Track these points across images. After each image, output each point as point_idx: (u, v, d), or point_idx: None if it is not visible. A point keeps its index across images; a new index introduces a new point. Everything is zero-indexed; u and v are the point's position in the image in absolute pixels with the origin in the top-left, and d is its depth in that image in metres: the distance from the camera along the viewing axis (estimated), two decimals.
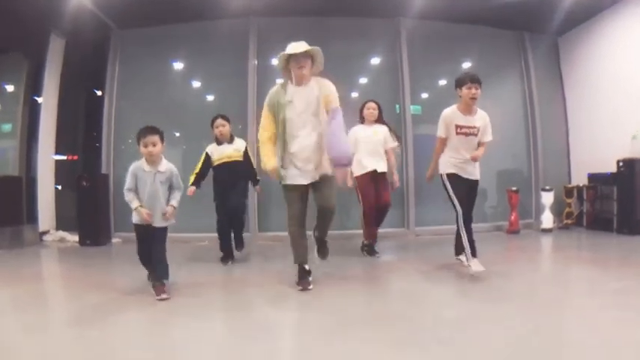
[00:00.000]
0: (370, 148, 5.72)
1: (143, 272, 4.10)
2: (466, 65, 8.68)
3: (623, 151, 7.33)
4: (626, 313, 3.15)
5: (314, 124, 4.11)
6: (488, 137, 4.76)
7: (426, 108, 8.23)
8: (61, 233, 7.81)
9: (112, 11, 7.49)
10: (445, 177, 4.65)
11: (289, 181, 4.10)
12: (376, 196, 5.68)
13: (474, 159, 4.58)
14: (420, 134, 8.06)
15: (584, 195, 8.13)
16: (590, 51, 8.33)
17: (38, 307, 3.71)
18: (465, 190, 4.63)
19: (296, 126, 4.08)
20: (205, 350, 2.68)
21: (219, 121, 5.45)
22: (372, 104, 5.90)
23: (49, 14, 7.31)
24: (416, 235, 7.68)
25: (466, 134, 4.59)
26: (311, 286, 4.04)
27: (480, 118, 4.68)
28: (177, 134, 8.27)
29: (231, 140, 5.49)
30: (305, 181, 4.08)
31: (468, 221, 4.55)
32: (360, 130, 5.82)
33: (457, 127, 4.58)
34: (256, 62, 7.94)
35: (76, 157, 9.94)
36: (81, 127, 9.37)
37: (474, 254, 4.43)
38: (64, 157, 8.91)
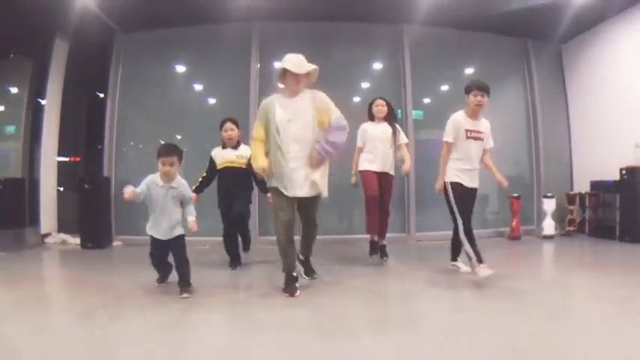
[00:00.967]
0: (380, 148, 5.71)
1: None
2: (469, 72, 8.69)
3: (627, 159, 7.31)
4: (628, 321, 3.14)
5: (306, 139, 4.12)
6: (490, 144, 4.86)
7: (427, 113, 8.25)
8: (63, 236, 7.83)
9: (116, 14, 7.53)
10: (449, 186, 4.63)
11: (279, 186, 4.14)
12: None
13: (501, 182, 4.85)
14: (421, 139, 8.06)
15: (587, 202, 8.11)
16: (593, 59, 8.33)
17: (41, 309, 3.71)
18: (467, 199, 4.67)
19: (287, 141, 4.10)
20: (208, 353, 2.67)
21: (229, 125, 5.38)
22: (380, 101, 5.90)
23: (54, 17, 7.36)
24: (416, 241, 7.66)
25: (475, 138, 4.66)
26: (298, 293, 4.04)
27: (484, 124, 4.77)
28: (179, 137, 8.28)
29: (236, 146, 5.39)
30: (294, 195, 4.13)
31: (470, 230, 4.55)
32: (369, 127, 5.82)
33: (467, 131, 4.62)
34: (259, 66, 7.95)
35: (78, 159, 9.96)
36: (83, 129, 9.38)
37: (480, 260, 4.42)
38: (67, 159, 8.91)
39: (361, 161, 5.75)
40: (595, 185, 8.04)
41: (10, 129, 8.81)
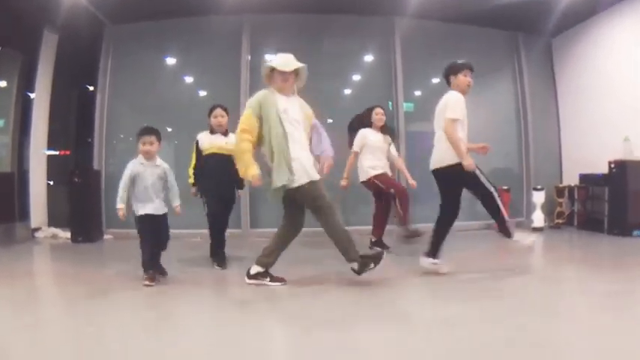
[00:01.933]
0: (382, 157, 5.88)
1: (137, 269, 4.14)
2: None
3: (615, 152, 7.37)
4: (616, 314, 3.17)
5: (304, 138, 4.12)
6: None
7: (418, 106, 8.28)
8: (53, 230, 7.77)
9: (105, 6, 7.46)
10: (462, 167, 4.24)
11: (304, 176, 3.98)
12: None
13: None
14: (412, 131, 8.10)
15: (576, 195, 8.18)
16: (583, 53, 8.39)
17: (31, 304, 3.69)
18: None
19: (292, 137, 3.99)
20: (199, 347, 2.68)
21: (219, 111, 5.21)
22: (380, 110, 5.97)
23: (42, 9, 7.28)
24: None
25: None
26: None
27: None
28: (170, 129, 8.24)
29: (225, 133, 5.19)
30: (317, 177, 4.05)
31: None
32: (369, 134, 5.87)
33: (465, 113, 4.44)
34: (249, 58, 7.95)
35: (68, 153, 9.90)
36: (73, 122, 9.33)
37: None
38: (57, 153, 8.86)
39: (365, 168, 5.80)
40: (584, 178, 8.11)
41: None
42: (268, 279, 4.06)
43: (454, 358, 2.47)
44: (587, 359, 2.45)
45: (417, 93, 8.60)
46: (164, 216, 4.27)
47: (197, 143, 5.17)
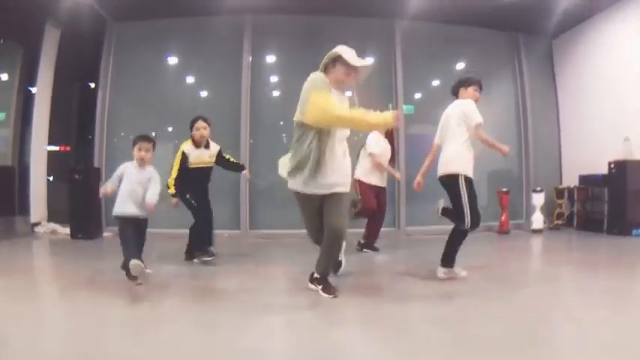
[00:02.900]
0: (384, 162, 5.92)
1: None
2: (460, 66, 8.73)
3: (615, 152, 7.39)
4: (615, 313, 3.19)
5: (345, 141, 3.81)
6: None
7: (418, 108, 8.28)
8: (53, 225, 7.79)
9: (109, 4, 7.49)
10: (464, 180, 4.21)
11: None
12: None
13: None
14: (412, 134, 8.11)
15: (575, 196, 8.20)
16: (583, 53, 8.39)
17: (29, 299, 3.68)
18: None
19: (339, 139, 3.68)
20: (195, 346, 2.69)
21: (202, 123, 5.12)
22: None
23: (45, 4, 7.29)
24: (406, 235, 7.71)
25: None
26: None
27: None
28: (170, 129, 8.26)
29: (208, 145, 5.21)
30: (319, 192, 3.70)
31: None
32: (380, 140, 5.91)
33: None
34: (250, 59, 7.95)
35: (68, 148, 9.91)
36: (74, 118, 9.34)
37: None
38: (57, 148, 8.87)
39: (368, 175, 5.86)
40: (584, 179, 8.13)
41: (1, 116, 8.75)
42: (321, 287, 3.81)
43: (449, 356, 2.49)
44: (584, 357, 2.47)
45: (418, 95, 8.60)
46: (144, 220, 4.20)
47: (183, 155, 5.05)
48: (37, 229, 7.75)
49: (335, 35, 7.98)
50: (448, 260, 4.34)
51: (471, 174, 4.24)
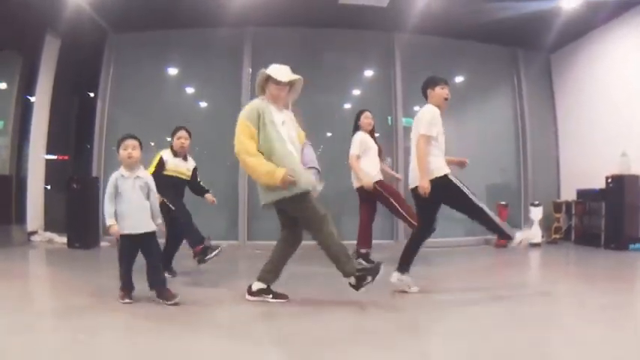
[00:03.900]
0: (374, 159, 5.89)
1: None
2: (459, 80, 8.78)
3: (613, 167, 7.40)
4: (613, 328, 3.18)
5: (297, 151, 3.94)
6: None
7: None
8: (50, 234, 7.76)
9: (109, 14, 7.51)
10: (451, 177, 4.14)
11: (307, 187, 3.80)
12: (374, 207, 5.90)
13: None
14: (411, 146, 8.10)
15: (573, 210, 8.21)
16: (581, 68, 8.44)
17: (24, 309, 3.66)
18: None
19: (288, 148, 3.81)
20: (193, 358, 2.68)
21: (183, 133, 5.12)
22: (369, 114, 5.99)
23: (46, 14, 7.31)
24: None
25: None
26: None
27: None
28: (169, 140, 8.22)
29: (186, 157, 5.18)
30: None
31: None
32: (366, 139, 5.88)
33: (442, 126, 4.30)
34: (250, 71, 7.97)
35: (66, 158, 9.90)
36: (72, 128, 9.34)
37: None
38: (55, 157, 8.86)
39: (370, 173, 5.80)
40: (581, 193, 8.14)
41: None
42: (270, 296, 3.91)
43: None
44: None
45: (416, 108, 8.58)
46: (150, 236, 3.81)
47: (161, 160, 4.98)
48: (34, 238, 7.71)
49: (334, 48, 8.07)
50: (403, 267, 4.28)
51: (447, 170, 4.18)
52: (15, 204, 7.97)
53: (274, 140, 3.75)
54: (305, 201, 3.78)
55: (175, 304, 3.64)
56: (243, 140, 3.74)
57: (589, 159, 8.14)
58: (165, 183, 4.83)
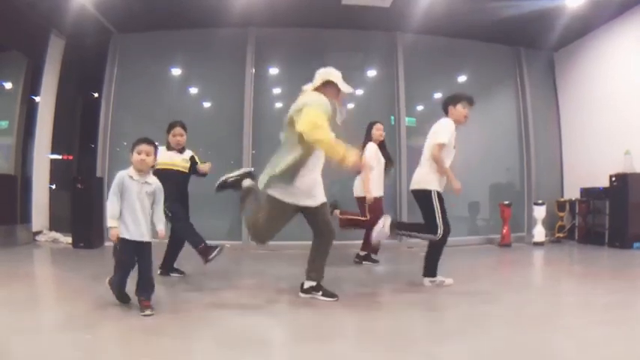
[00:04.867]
0: (381, 174, 5.91)
1: (133, 278, 3.98)
2: (462, 79, 8.78)
3: (616, 166, 7.41)
4: (617, 328, 3.18)
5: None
6: None
7: (420, 120, 8.30)
8: (54, 234, 7.81)
9: (113, 15, 7.53)
10: (435, 194, 4.40)
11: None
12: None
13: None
14: (413, 146, 8.11)
15: (577, 209, 8.20)
16: (584, 66, 8.43)
17: (28, 309, 3.67)
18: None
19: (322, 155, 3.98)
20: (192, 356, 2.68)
21: (179, 130, 5.04)
22: (381, 125, 5.95)
23: (50, 14, 7.37)
24: (408, 248, 7.68)
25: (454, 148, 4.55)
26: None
27: None
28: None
29: (181, 151, 5.07)
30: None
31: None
32: (378, 151, 5.88)
33: (455, 140, 4.51)
34: (254, 71, 8.00)
35: (71, 157, 9.93)
36: (77, 128, 9.37)
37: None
38: (59, 157, 8.89)
39: (372, 186, 5.77)
40: (585, 192, 8.13)
41: (3, 124, 8.78)
42: (320, 293, 4.04)
43: None
44: None
45: (419, 108, 8.63)
46: (149, 245, 3.68)
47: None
48: (39, 237, 7.76)
49: (337, 48, 8.08)
50: (430, 273, 4.52)
51: (441, 189, 4.44)
52: (20, 204, 8.01)
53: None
54: (324, 213, 4.09)
55: (146, 315, 3.47)
56: (323, 122, 3.74)
57: (592, 157, 8.14)
58: (163, 179, 4.54)
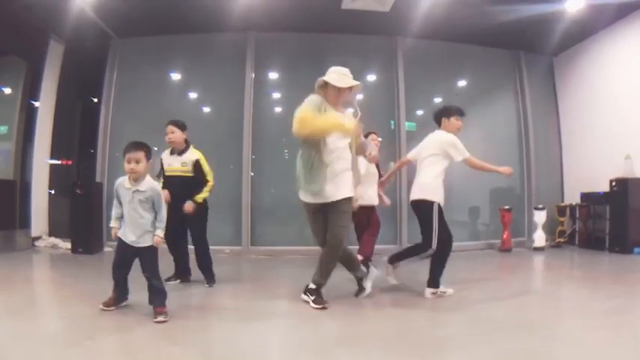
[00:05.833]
0: (374, 184, 5.74)
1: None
2: (462, 84, 8.78)
3: (617, 170, 7.41)
4: (617, 333, 3.18)
5: (344, 153, 4.04)
6: None
7: (420, 125, 8.29)
8: (54, 239, 7.79)
9: (113, 20, 7.53)
10: (437, 208, 4.35)
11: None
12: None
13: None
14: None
15: (577, 214, 8.19)
16: (584, 71, 8.44)
17: (28, 314, 3.67)
18: None
19: (334, 148, 3.94)
20: None
21: (169, 127, 4.84)
22: (375, 136, 5.88)
23: (50, 19, 7.37)
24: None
25: None
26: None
27: None
28: None
29: (183, 150, 4.88)
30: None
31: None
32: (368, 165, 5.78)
33: None
34: (253, 76, 8.00)
35: (70, 162, 9.91)
36: (76, 133, 9.35)
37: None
38: (59, 162, 8.87)
39: (374, 194, 5.72)
40: (585, 197, 8.13)
41: (3, 129, 8.76)
42: (313, 297, 3.98)
43: None
44: None
45: (419, 112, 8.62)
46: (146, 250, 3.65)
47: (161, 161, 4.94)
48: (38, 243, 7.74)
49: (337, 53, 8.08)
50: (433, 284, 4.43)
51: (442, 202, 4.41)
52: (19, 209, 7.97)
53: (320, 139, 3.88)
54: (346, 208, 4.01)
55: (159, 322, 3.45)
56: (306, 114, 3.79)
57: (592, 162, 8.13)
58: (166, 185, 4.77)
